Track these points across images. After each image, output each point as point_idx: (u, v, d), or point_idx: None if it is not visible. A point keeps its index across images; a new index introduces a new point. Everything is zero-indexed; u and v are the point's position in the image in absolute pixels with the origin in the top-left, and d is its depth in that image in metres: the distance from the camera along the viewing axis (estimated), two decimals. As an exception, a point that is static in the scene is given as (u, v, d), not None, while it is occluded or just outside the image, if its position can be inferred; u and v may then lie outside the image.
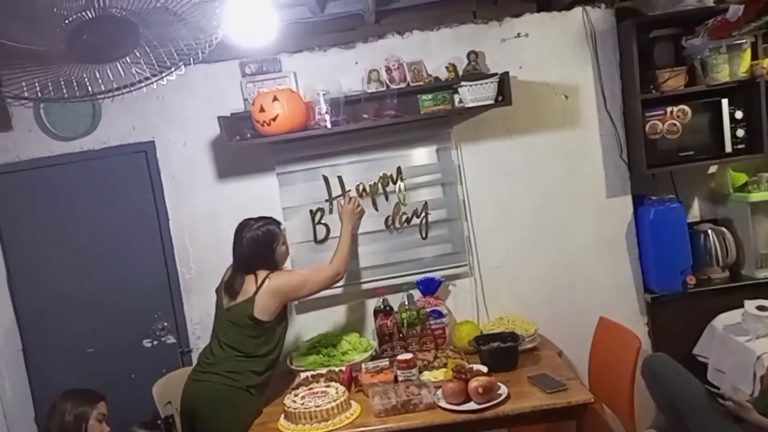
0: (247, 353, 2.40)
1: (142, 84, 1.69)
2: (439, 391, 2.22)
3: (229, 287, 2.47)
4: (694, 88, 2.74)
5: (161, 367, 2.83)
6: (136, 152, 2.92)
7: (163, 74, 1.67)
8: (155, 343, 2.99)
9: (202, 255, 2.94)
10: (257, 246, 2.46)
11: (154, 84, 1.69)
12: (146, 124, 2.92)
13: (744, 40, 2.65)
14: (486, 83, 2.65)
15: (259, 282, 2.41)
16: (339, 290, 2.95)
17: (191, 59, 1.63)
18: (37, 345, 2.99)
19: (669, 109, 2.74)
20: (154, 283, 2.95)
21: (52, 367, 2.96)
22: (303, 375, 2.58)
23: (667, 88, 2.73)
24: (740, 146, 2.75)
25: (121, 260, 2.95)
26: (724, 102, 2.73)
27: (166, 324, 2.98)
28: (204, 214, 2.94)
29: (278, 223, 2.57)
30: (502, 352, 2.47)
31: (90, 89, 1.67)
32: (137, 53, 1.57)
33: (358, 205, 2.85)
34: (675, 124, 2.75)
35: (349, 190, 2.90)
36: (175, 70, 1.65)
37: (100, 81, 1.64)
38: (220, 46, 1.73)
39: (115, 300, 2.95)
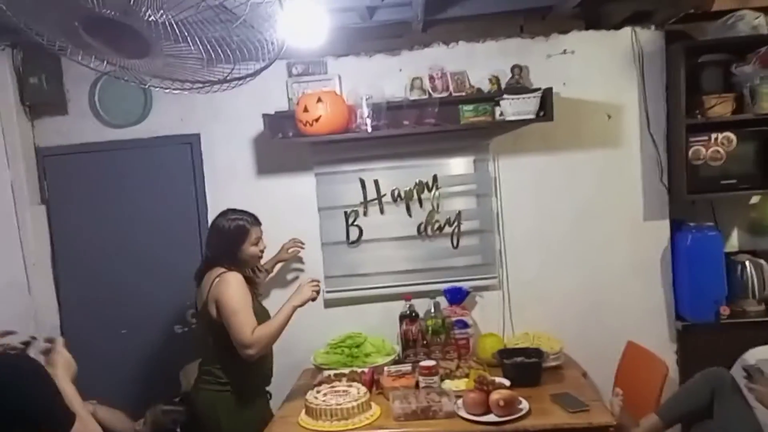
0: (223, 358, 2.28)
1: (223, 82, 1.74)
2: (460, 401, 2.22)
3: (198, 281, 2.37)
4: (742, 116, 2.69)
5: (190, 352, 2.88)
6: (182, 143, 3.02)
7: (242, 77, 1.72)
8: (186, 329, 3.06)
9: (237, 247, 3.00)
10: (222, 238, 2.33)
11: (230, 84, 1.73)
12: (193, 117, 3.00)
13: (796, 71, 2.60)
14: (528, 98, 2.66)
15: (211, 280, 2.27)
16: (367, 292, 2.99)
17: (262, 62, 1.69)
18: (73, 322, 3.09)
19: (714, 135, 2.70)
20: (189, 272, 3.01)
21: (86, 344, 3.03)
22: (326, 373, 2.62)
23: (714, 115, 2.69)
24: (785, 178, 2.69)
25: (161, 247, 3.04)
26: (772, 132, 2.67)
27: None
28: (242, 208, 3.00)
29: (255, 222, 2.40)
30: (526, 367, 2.46)
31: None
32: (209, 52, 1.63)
33: (317, 293, 2.36)
34: (719, 151, 2.70)
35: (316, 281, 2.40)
36: (254, 74, 1.71)
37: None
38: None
39: (151, 285, 3.03)
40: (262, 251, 2.45)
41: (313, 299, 2.35)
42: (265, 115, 2.78)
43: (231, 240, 2.33)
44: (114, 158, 3.04)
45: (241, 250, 2.34)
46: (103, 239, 3.07)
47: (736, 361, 2.70)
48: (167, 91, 1.78)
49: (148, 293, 3.04)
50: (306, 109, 2.69)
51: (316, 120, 2.67)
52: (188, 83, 1.72)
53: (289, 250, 2.91)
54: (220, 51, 1.64)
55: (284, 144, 2.85)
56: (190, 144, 3.01)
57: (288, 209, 2.97)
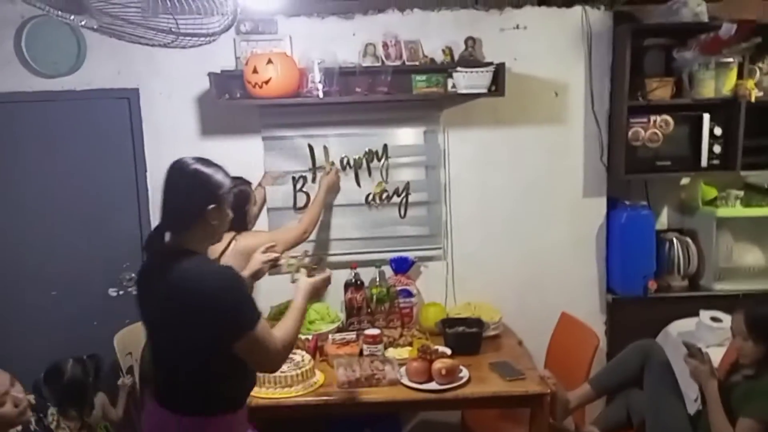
0: None
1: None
2: (403, 369, 2.27)
3: None
4: (679, 101, 2.80)
5: (125, 317, 2.78)
6: (118, 98, 2.84)
7: (204, 34, 1.64)
8: (121, 293, 2.95)
9: (178, 210, 2.90)
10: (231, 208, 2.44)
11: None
12: (131, 71, 2.83)
13: (732, 59, 2.71)
14: (482, 72, 2.67)
15: (226, 243, 2.37)
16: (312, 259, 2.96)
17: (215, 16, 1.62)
18: (1, 281, 2.92)
19: (653, 118, 2.80)
20: (125, 234, 2.90)
21: (15, 305, 2.91)
22: (269, 340, 2.60)
23: (654, 98, 2.79)
24: (715, 162, 2.83)
25: (95, 207, 2.89)
26: (706, 117, 2.80)
27: (133, 275, 2.93)
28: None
29: (249, 184, 2.56)
30: (467, 336, 2.53)
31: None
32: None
33: (338, 179, 2.89)
34: (656, 134, 2.81)
35: (332, 162, 2.90)
36: (221, 31, 1.64)
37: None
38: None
39: (85, 245, 2.90)
40: (259, 210, 2.74)
41: (337, 187, 2.89)
42: (211, 74, 2.65)
43: (238, 207, 2.36)
44: (44, 110, 2.83)
45: (247, 213, 2.52)
46: (33, 195, 2.88)
47: (660, 332, 2.90)
48: (119, 27, 1.67)
49: (82, 254, 2.90)
50: (255, 70, 2.58)
51: (266, 82, 2.58)
52: (137, 29, 1.62)
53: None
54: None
55: (231, 105, 2.74)
56: (128, 99, 2.84)
57: (233, 173, 2.84)
